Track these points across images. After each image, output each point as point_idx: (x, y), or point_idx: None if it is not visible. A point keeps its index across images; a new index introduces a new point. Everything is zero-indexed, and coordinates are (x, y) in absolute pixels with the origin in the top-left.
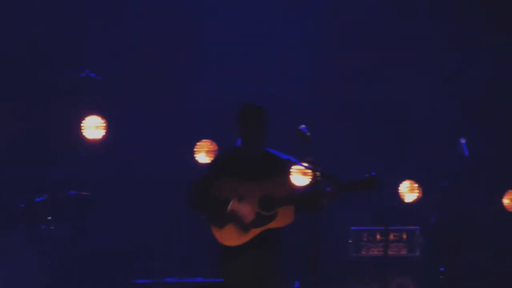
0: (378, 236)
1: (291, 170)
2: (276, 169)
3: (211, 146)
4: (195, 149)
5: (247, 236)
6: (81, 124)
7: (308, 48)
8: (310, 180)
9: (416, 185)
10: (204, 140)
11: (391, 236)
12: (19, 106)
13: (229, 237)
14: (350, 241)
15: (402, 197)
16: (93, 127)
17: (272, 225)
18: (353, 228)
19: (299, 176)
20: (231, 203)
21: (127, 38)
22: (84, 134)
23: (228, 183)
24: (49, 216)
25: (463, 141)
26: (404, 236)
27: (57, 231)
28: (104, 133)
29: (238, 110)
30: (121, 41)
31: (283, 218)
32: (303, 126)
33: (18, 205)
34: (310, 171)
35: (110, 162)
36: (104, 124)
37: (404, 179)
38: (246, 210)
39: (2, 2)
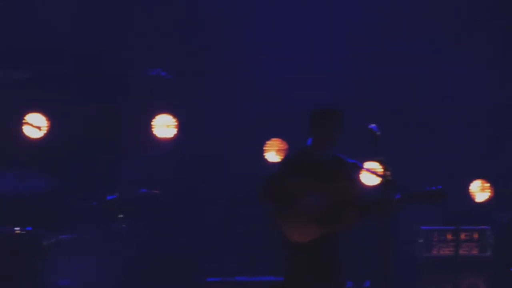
0: (449, 236)
1: (358, 174)
2: (343, 173)
3: (281, 145)
4: (265, 148)
5: (312, 234)
6: (152, 123)
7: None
8: (381, 180)
9: (488, 184)
10: (274, 138)
11: (462, 236)
12: (92, 106)
13: (296, 234)
14: (420, 241)
15: (473, 196)
16: (164, 126)
17: (336, 227)
18: (423, 228)
19: (370, 176)
20: (299, 201)
21: (197, 37)
22: (155, 133)
23: (297, 183)
24: (120, 215)
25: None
26: (475, 236)
27: (128, 230)
28: (175, 132)
29: (312, 112)
30: (191, 40)
31: (347, 222)
32: (373, 125)
33: (90, 203)
34: (380, 171)
35: (181, 160)
36: (175, 123)
37: (475, 179)
38: (313, 210)
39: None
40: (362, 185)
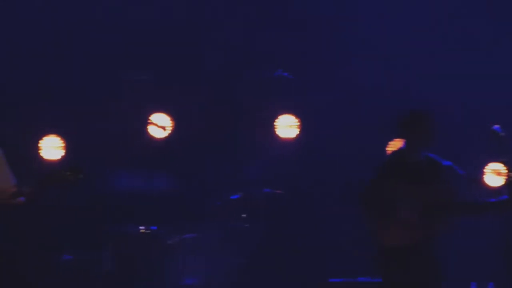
0: None
1: (453, 175)
2: (438, 176)
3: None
4: (387, 148)
5: (409, 238)
6: (275, 123)
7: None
8: (504, 180)
9: None
10: (396, 139)
11: None
12: (215, 106)
13: (393, 238)
14: None
15: None
16: (287, 126)
17: (432, 230)
18: None
19: (493, 176)
20: (395, 205)
21: (314, 38)
22: (277, 133)
23: (392, 187)
24: (243, 214)
25: None
26: None
27: (251, 229)
28: (297, 132)
29: (403, 116)
30: (309, 41)
31: (443, 224)
32: (497, 126)
33: (214, 203)
34: (505, 171)
35: (303, 160)
36: (298, 123)
37: None
38: (409, 214)
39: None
40: (456, 187)
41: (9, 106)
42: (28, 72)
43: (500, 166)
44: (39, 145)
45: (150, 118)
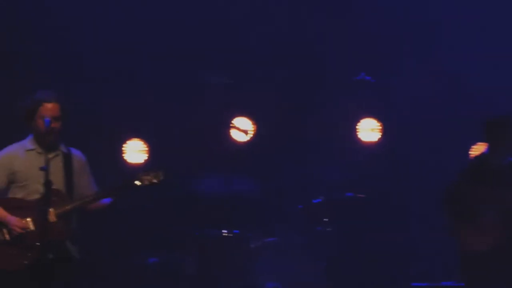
0: None
1: None
2: None
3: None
4: (470, 152)
5: (492, 242)
6: (357, 127)
7: None
8: None
9: None
10: (479, 143)
11: None
12: (299, 108)
13: (476, 241)
14: None
15: None
16: (369, 130)
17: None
18: None
19: None
20: (478, 209)
21: (396, 42)
22: (359, 136)
23: (476, 191)
24: (325, 218)
25: None
26: None
27: (333, 233)
28: (379, 136)
29: (488, 122)
30: (390, 44)
31: None
32: None
33: (296, 207)
34: None
35: (386, 164)
36: (380, 127)
37: None
38: (491, 218)
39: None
40: None
41: (93, 111)
42: (112, 75)
43: None
44: (123, 148)
45: (232, 122)
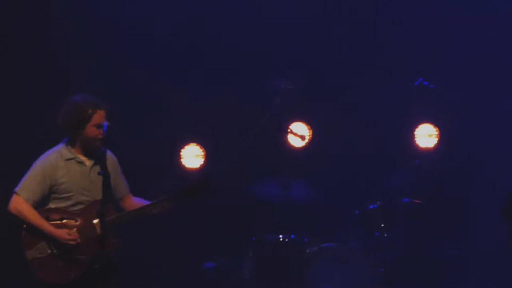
0: None
1: None
2: None
3: None
4: None
5: None
6: (415, 132)
7: None
8: None
9: None
10: None
11: None
12: (356, 114)
13: None
14: None
15: None
16: (426, 136)
17: None
18: None
19: None
20: None
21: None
22: (417, 142)
23: None
24: (382, 223)
25: None
26: None
27: (390, 239)
28: (435, 141)
29: None
30: (448, 48)
31: None
32: None
33: (352, 212)
34: None
35: (443, 170)
36: (436, 132)
37: None
38: None
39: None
40: None
41: (150, 116)
42: (168, 80)
43: None
44: (181, 153)
45: (289, 127)
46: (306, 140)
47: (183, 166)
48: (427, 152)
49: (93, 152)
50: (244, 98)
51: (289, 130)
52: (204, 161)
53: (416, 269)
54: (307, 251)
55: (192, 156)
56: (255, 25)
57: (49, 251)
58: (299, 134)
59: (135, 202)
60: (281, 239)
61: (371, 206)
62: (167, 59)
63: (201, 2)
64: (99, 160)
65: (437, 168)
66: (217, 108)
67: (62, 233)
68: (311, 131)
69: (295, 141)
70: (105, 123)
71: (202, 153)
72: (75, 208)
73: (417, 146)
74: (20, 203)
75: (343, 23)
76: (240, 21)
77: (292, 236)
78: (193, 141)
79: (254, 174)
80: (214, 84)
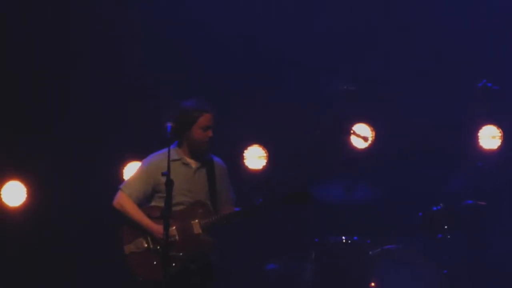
0: None
1: None
2: None
3: None
4: None
5: None
6: (478, 134)
7: None
8: None
9: None
10: None
11: None
12: (417, 114)
13: None
14: None
15: None
16: (489, 137)
17: None
18: None
19: None
20: None
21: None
22: (480, 143)
23: None
24: (445, 225)
25: None
26: None
27: (453, 241)
28: (499, 143)
29: None
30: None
31: None
32: None
33: (416, 214)
34: None
35: (508, 172)
36: (500, 134)
37: None
38: None
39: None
40: None
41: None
42: (230, 82)
43: None
44: (244, 154)
45: (352, 128)
46: (369, 142)
47: (246, 167)
48: (490, 153)
49: (200, 155)
50: (307, 99)
51: (352, 132)
52: (267, 163)
53: (479, 271)
54: (370, 253)
55: (254, 158)
56: (321, 26)
57: (145, 245)
58: (362, 135)
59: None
60: (344, 241)
61: (435, 208)
62: (229, 57)
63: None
64: (206, 163)
65: (500, 169)
66: (280, 109)
67: (160, 229)
68: (374, 132)
69: (358, 143)
70: (169, 124)
71: (265, 155)
72: (176, 208)
73: (480, 147)
74: (123, 198)
75: (407, 22)
76: (304, 21)
77: (355, 238)
78: (256, 142)
79: (317, 176)
80: (276, 85)
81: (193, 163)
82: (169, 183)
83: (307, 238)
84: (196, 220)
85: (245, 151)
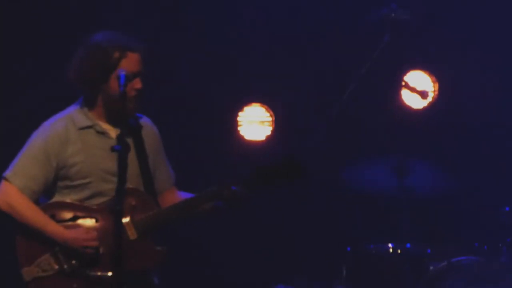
0: None
1: None
2: None
3: None
4: None
5: None
6: None
7: None
8: None
9: None
10: None
11: None
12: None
13: None
14: None
15: None
16: None
17: None
18: None
19: None
20: None
21: None
22: None
23: None
24: None
25: None
26: None
27: None
28: None
29: None
30: None
31: None
32: None
33: (502, 209)
34: None
35: None
36: None
37: None
38: None
39: None
40: None
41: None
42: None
43: None
44: (238, 119)
45: (404, 79)
46: (430, 99)
47: (241, 137)
48: None
49: (122, 117)
50: (338, 36)
51: (403, 84)
52: (273, 131)
53: None
54: (431, 267)
55: (254, 123)
56: None
57: (56, 267)
58: (418, 89)
59: (180, 198)
60: (391, 250)
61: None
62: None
63: None
64: (131, 129)
65: None
66: (291, 50)
67: (76, 239)
68: (436, 85)
69: (412, 100)
70: (122, 73)
71: (270, 119)
72: (95, 201)
73: None
74: (12, 194)
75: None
76: None
77: (408, 245)
78: (257, 101)
79: (352, 153)
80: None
81: (112, 131)
82: (123, 162)
83: (334, 246)
84: (128, 219)
85: (239, 113)
